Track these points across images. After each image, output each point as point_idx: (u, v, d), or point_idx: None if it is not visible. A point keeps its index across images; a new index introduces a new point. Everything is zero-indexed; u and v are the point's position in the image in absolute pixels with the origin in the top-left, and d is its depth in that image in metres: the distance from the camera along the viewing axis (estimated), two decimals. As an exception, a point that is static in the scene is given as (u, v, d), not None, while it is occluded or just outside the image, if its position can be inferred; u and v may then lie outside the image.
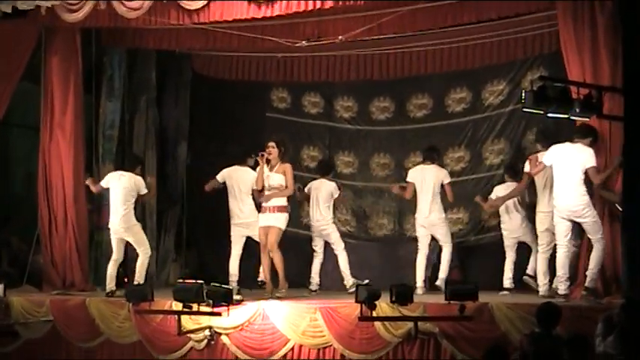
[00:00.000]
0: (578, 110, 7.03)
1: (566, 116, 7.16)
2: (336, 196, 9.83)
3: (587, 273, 7.97)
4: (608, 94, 7.52)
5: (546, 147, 8.55)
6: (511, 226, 9.26)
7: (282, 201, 9.00)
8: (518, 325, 7.38)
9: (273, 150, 8.96)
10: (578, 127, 8.16)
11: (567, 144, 8.26)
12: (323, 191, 9.81)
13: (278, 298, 8.82)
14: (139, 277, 9.60)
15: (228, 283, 9.13)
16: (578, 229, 8.32)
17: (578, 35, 8.19)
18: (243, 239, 9.62)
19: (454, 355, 7.67)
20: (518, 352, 6.27)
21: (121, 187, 9.68)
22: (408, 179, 9.63)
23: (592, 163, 8.04)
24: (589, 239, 8.05)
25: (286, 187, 8.98)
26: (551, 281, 8.51)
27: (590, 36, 8.13)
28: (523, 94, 7.03)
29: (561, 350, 5.78)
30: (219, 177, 9.71)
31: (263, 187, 9.04)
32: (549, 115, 7.18)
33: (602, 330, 5.94)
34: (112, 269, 9.68)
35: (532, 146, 9.88)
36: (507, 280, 9.17)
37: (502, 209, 9.28)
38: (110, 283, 9.61)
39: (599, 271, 7.95)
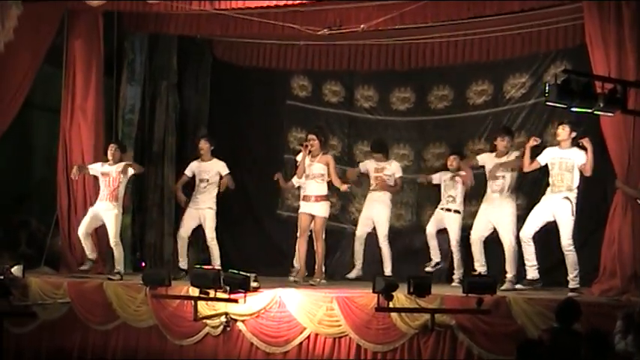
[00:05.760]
0: (602, 105, 6.96)
1: (589, 111, 7.09)
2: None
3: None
4: (633, 89, 7.46)
5: None
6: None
7: (324, 190, 9.31)
8: (535, 319, 7.36)
9: (314, 142, 9.30)
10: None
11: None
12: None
13: (312, 285, 9.05)
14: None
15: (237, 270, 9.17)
16: None
17: (604, 29, 8.12)
18: None
19: (470, 348, 7.65)
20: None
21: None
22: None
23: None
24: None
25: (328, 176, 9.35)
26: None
27: (615, 30, 8.06)
28: (547, 88, 6.96)
29: (580, 346, 5.75)
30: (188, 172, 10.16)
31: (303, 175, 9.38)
32: (572, 109, 7.12)
33: (622, 327, 5.90)
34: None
35: (552, 138, 9.85)
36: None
37: None
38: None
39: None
